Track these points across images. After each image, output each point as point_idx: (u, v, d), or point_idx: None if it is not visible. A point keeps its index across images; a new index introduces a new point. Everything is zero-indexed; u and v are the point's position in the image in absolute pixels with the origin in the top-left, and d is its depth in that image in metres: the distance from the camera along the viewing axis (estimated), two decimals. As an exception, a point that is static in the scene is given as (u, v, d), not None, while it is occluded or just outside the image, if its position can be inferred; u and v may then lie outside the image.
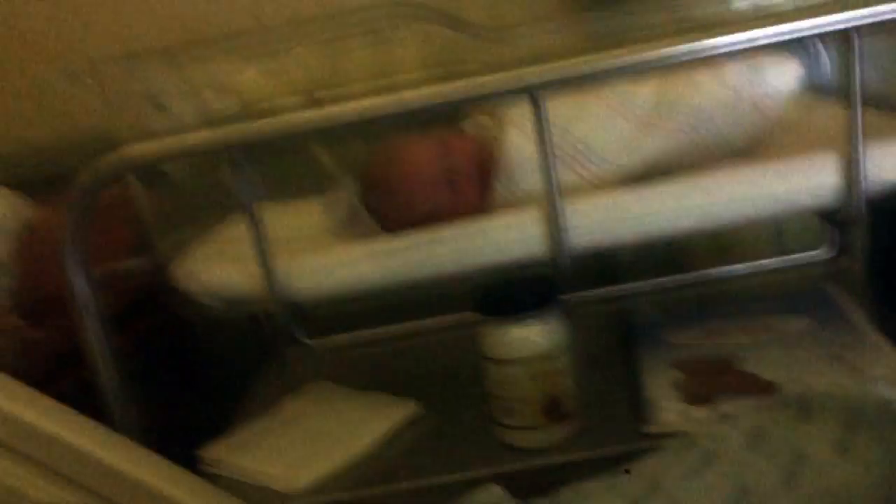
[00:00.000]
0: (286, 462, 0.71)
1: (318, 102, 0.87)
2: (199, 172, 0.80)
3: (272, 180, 1.00)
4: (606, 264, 0.99)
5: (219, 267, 0.68)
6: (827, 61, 0.89)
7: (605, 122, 0.70)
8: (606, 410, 0.70)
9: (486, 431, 0.69)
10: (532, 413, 0.65)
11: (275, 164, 1.02)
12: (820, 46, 0.88)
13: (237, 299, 0.68)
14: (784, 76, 0.72)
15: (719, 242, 0.99)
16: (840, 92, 0.60)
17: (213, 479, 0.73)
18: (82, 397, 0.61)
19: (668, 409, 0.67)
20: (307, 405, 0.83)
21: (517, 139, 0.69)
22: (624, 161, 0.70)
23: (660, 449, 0.49)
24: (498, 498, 0.50)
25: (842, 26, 0.56)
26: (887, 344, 0.71)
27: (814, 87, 0.88)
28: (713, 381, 0.70)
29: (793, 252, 0.93)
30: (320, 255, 0.67)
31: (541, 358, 0.65)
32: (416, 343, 0.90)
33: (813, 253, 0.69)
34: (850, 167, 0.61)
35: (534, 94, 0.59)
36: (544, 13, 1.13)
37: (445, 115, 0.84)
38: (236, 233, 0.74)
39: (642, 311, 0.88)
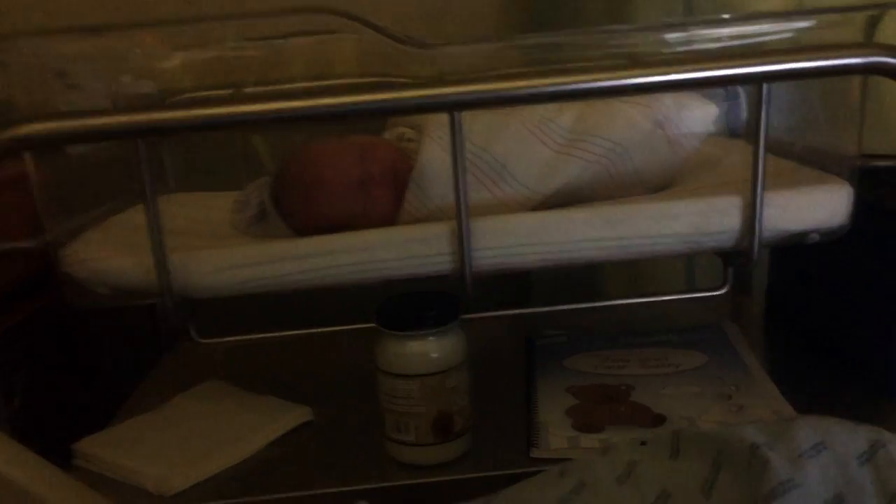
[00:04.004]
0: (164, 463, 0.68)
1: (244, 97, 0.86)
2: (104, 154, 0.76)
3: (202, 166, 0.98)
4: (517, 284, 1.00)
5: (111, 254, 0.66)
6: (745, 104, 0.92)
7: (523, 145, 0.70)
8: (499, 431, 0.70)
9: (377, 444, 0.68)
10: (422, 429, 0.65)
11: (209, 150, 1.00)
12: (740, 88, 0.91)
13: (127, 290, 0.65)
14: (701, 118, 0.74)
15: (633, 275, 1.01)
16: (751, 136, 0.61)
17: (84, 474, 0.69)
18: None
19: (558, 434, 0.68)
20: (196, 404, 0.80)
21: (433, 152, 0.69)
22: (539, 185, 0.70)
23: (537, 474, 0.49)
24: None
25: (752, 75, 0.57)
26: (772, 385, 0.73)
27: (731, 128, 0.91)
28: (605, 410, 0.71)
29: (702, 289, 0.95)
30: (218, 251, 0.65)
31: (435, 375, 0.64)
32: (318, 348, 0.89)
33: (710, 293, 0.71)
34: (750, 213, 0.63)
35: (452, 112, 0.58)
36: (483, 32, 1.14)
37: (370, 123, 0.83)
38: (135, 221, 0.71)
39: (545, 333, 0.89)
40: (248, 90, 0.88)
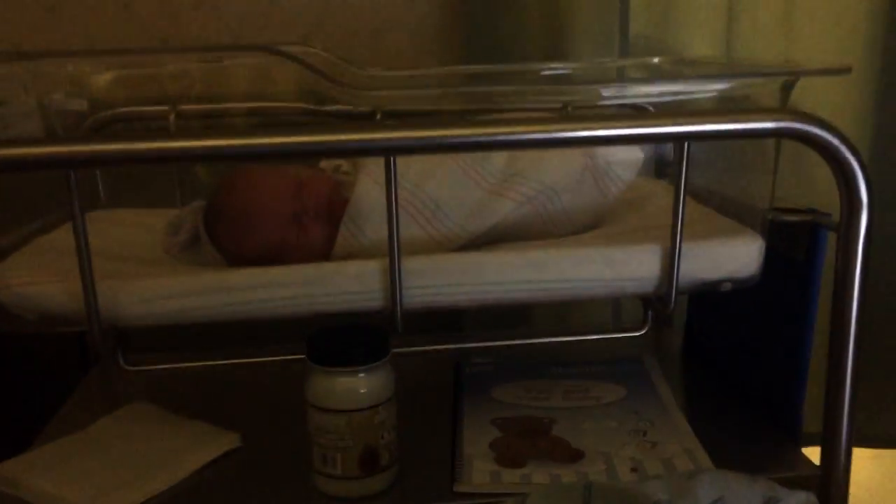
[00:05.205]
0: (89, 489, 0.68)
1: (180, 116, 0.85)
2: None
3: (135, 178, 0.96)
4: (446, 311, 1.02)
5: (38, 279, 0.65)
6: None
7: (456, 185, 0.72)
8: (425, 463, 0.72)
9: (306, 474, 0.69)
10: (349, 463, 0.66)
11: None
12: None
13: (55, 317, 0.65)
14: (627, 163, 0.77)
15: (560, 306, 1.04)
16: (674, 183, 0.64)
17: (6, 499, 0.68)
18: None
19: (481, 469, 0.70)
20: (122, 427, 0.79)
21: (368, 188, 0.70)
22: (471, 224, 0.72)
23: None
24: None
25: (674, 134, 0.60)
26: (685, 423, 0.77)
27: (658, 164, 0.95)
28: (527, 445, 0.74)
29: (627, 321, 0.99)
30: (149, 281, 0.65)
31: (364, 410, 0.65)
32: (247, 373, 0.89)
33: (631, 334, 0.74)
34: (669, 262, 0.66)
35: (388, 156, 0.60)
36: (423, 49, 1.15)
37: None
38: (63, 243, 0.71)
39: (473, 360, 0.91)
40: (187, 107, 0.87)
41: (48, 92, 0.79)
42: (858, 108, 1.02)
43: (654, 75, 0.86)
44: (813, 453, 0.71)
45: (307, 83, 0.86)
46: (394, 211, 0.62)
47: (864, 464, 1.25)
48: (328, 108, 0.81)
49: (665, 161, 0.95)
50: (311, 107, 0.83)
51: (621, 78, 0.74)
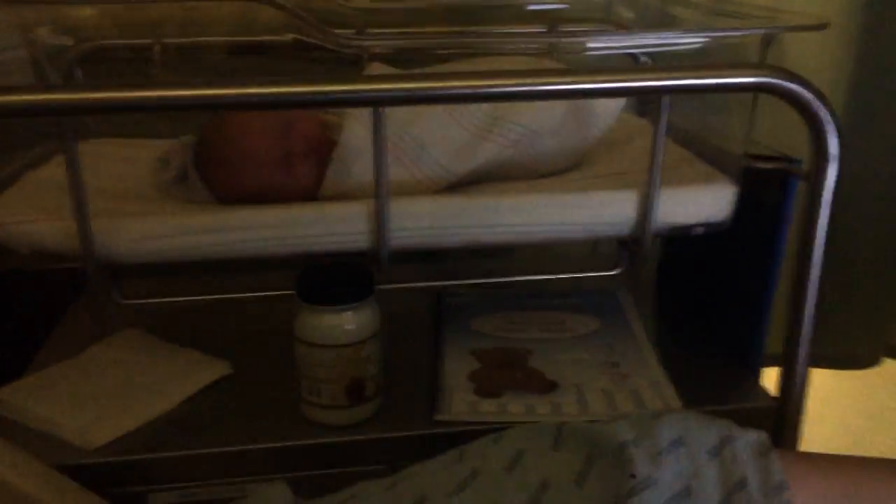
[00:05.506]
0: (85, 415, 0.71)
1: (164, 49, 0.85)
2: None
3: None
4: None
5: (33, 217, 0.66)
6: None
7: (442, 128, 0.74)
8: (407, 393, 0.76)
9: (294, 402, 0.73)
10: (336, 394, 0.70)
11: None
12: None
13: (50, 254, 0.67)
14: (608, 107, 0.78)
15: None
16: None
17: (2, 423, 0.72)
18: None
19: (460, 399, 0.74)
20: (115, 354, 0.82)
21: (356, 131, 0.71)
22: (455, 166, 0.74)
23: (435, 457, 0.54)
24: (284, 498, 0.54)
25: (655, 87, 0.62)
26: (654, 357, 0.81)
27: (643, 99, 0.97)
28: (504, 375, 0.78)
29: (604, 254, 1.02)
30: (142, 221, 0.67)
31: (350, 346, 0.69)
32: (238, 303, 0.91)
33: (604, 273, 0.78)
34: (644, 208, 0.69)
35: (375, 107, 0.61)
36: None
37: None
38: (55, 179, 0.72)
39: (453, 293, 0.94)
40: (171, 41, 0.87)
41: (34, 27, 0.78)
42: (839, 48, 1.03)
43: (641, 13, 0.86)
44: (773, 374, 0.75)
45: (292, 20, 0.86)
46: (381, 158, 0.64)
47: (823, 381, 1.32)
48: (314, 40, 0.81)
49: (648, 99, 0.96)
50: (296, 38, 0.83)
51: (608, 19, 0.75)
